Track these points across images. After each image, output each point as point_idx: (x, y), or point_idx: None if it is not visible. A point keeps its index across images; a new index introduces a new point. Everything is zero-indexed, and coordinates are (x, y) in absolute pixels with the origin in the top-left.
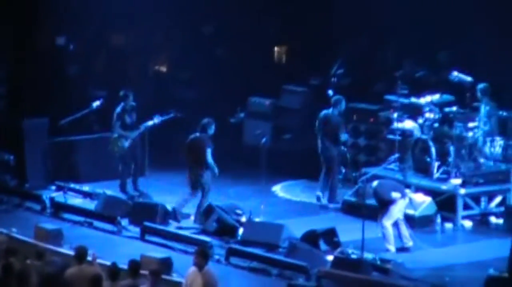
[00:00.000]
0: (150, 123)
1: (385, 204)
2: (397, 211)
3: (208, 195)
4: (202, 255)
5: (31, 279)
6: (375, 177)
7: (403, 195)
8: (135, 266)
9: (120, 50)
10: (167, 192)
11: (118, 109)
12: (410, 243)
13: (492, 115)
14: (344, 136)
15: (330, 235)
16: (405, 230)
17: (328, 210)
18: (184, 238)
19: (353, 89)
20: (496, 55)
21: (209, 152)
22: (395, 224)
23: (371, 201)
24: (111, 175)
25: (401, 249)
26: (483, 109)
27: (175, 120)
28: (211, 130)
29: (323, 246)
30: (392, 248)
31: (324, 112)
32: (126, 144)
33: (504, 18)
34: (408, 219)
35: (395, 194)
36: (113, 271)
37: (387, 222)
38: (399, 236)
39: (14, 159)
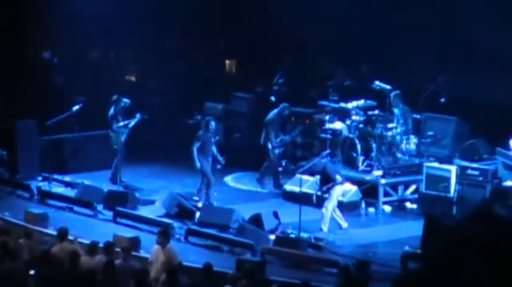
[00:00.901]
0: (135, 119)
1: (327, 181)
2: (336, 195)
3: (210, 183)
4: (164, 235)
5: (22, 255)
6: (310, 169)
7: (342, 181)
8: (109, 245)
9: (96, 62)
10: (139, 182)
11: (112, 111)
12: (345, 225)
13: (406, 117)
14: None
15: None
16: (339, 213)
17: (270, 197)
18: (150, 220)
19: (292, 95)
20: (411, 67)
21: (194, 146)
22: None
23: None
24: (90, 168)
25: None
26: (398, 112)
27: (142, 121)
28: (210, 127)
29: (266, 226)
30: (325, 228)
31: (270, 113)
32: (123, 138)
33: (418, 35)
34: (338, 204)
35: (338, 177)
36: (92, 248)
37: (329, 205)
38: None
39: (8, 154)
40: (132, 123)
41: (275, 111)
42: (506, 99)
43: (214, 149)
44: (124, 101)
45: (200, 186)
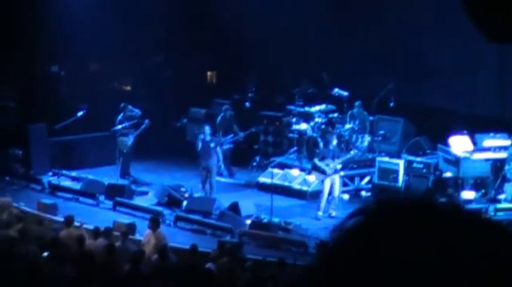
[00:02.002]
0: (144, 125)
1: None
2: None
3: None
4: (154, 221)
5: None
6: (280, 164)
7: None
8: (109, 229)
9: (96, 74)
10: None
11: (120, 117)
12: (334, 213)
13: (363, 119)
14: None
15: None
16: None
17: (246, 188)
18: (144, 208)
19: (264, 101)
20: (365, 75)
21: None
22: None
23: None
24: (92, 164)
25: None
26: (354, 115)
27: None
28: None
29: (243, 212)
30: (320, 213)
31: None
32: (129, 142)
33: (370, 48)
34: (303, 193)
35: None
36: (95, 232)
37: (325, 191)
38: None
39: (22, 153)
40: (143, 127)
41: (221, 114)
42: (444, 103)
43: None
44: (135, 110)
45: (202, 182)
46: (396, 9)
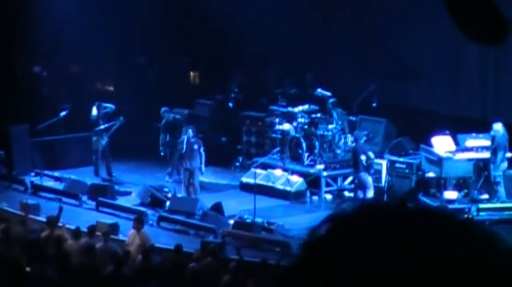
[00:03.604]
0: (118, 123)
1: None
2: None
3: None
4: (139, 221)
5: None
6: (263, 164)
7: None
8: (92, 229)
9: (79, 75)
10: (118, 176)
11: (94, 115)
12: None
13: (342, 119)
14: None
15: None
16: None
17: (229, 188)
18: (127, 208)
19: (246, 101)
20: (348, 77)
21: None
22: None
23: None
24: (75, 164)
25: None
26: (335, 115)
27: (122, 124)
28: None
29: (226, 212)
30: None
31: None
32: (103, 141)
33: (353, 49)
34: (286, 193)
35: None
36: (76, 233)
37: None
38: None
39: (4, 154)
40: (116, 125)
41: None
42: (426, 103)
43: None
44: (109, 106)
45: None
46: (379, 11)
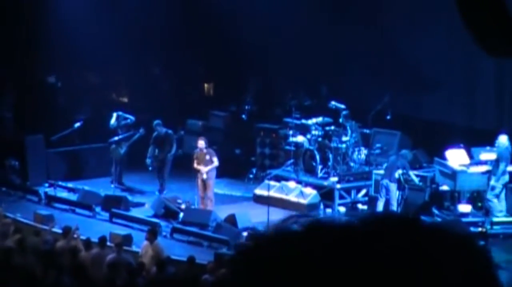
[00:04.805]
0: (138, 134)
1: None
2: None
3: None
4: (152, 232)
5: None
6: (277, 176)
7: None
8: (103, 240)
9: (94, 86)
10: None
11: (114, 125)
12: None
13: (356, 132)
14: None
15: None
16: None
17: (242, 200)
18: (141, 220)
19: (260, 113)
20: (362, 89)
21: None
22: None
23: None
24: (89, 176)
25: None
26: (348, 127)
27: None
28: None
29: (240, 224)
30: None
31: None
32: (122, 151)
33: (367, 62)
34: (299, 206)
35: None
36: (87, 244)
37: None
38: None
39: (19, 164)
40: (136, 136)
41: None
42: (440, 116)
43: None
44: (129, 117)
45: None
46: (394, 23)
